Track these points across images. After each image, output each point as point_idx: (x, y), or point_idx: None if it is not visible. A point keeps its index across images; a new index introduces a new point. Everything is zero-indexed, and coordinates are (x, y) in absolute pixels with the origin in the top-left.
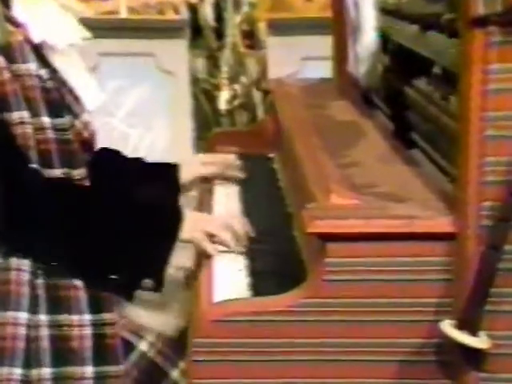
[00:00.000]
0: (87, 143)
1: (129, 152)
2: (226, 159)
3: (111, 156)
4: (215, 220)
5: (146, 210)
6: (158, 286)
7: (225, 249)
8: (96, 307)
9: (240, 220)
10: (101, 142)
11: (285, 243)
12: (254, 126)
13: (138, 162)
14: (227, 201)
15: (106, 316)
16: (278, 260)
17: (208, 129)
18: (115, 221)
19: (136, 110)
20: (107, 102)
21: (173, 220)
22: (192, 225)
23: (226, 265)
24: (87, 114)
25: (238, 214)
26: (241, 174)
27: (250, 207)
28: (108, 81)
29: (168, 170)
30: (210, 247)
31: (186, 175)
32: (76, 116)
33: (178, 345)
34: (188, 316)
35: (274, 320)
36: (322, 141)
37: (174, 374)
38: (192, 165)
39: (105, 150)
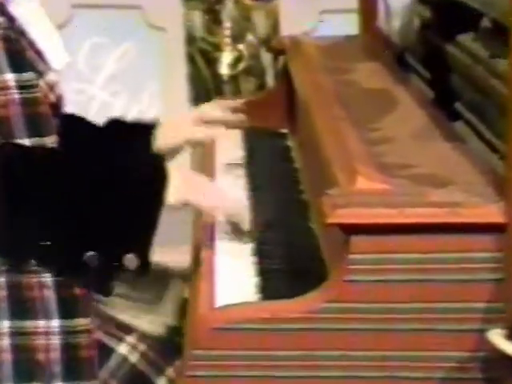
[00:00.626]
0: (53, 108)
1: None
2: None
3: (78, 121)
4: (217, 188)
5: (121, 171)
6: (144, 265)
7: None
8: (67, 311)
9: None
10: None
11: (300, 237)
12: (263, 95)
13: (110, 125)
14: (231, 187)
15: (80, 322)
16: (291, 257)
17: (207, 98)
18: (87, 187)
19: (119, 74)
20: (82, 64)
21: (156, 178)
22: (185, 186)
23: (231, 262)
24: (53, 74)
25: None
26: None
27: (258, 193)
28: (83, 39)
29: (147, 131)
30: (207, 204)
31: (172, 140)
32: (40, 74)
33: (165, 347)
34: (179, 315)
35: (288, 328)
36: (346, 112)
37: (161, 382)
38: (181, 126)
39: (70, 116)
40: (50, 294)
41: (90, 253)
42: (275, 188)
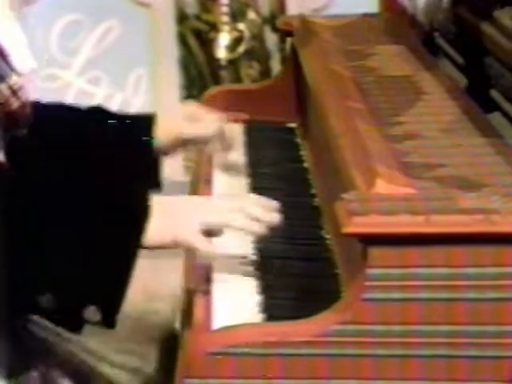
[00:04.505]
0: (15, 117)
1: None
2: (222, 119)
3: (56, 116)
4: (210, 204)
5: (91, 199)
6: (109, 319)
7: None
8: (14, 367)
9: (255, 200)
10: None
11: (311, 248)
12: (268, 83)
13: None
14: (230, 187)
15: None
16: (300, 271)
17: (202, 86)
18: (44, 214)
19: (99, 58)
20: (55, 46)
21: (133, 213)
22: (169, 222)
23: (230, 277)
24: (18, 77)
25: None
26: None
27: (262, 196)
28: (56, 16)
29: (135, 133)
30: (205, 245)
31: (164, 137)
32: (0, 78)
33: None
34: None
35: (296, 354)
36: (364, 104)
37: None
38: (170, 121)
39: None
40: None
41: (46, 295)
42: (282, 191)
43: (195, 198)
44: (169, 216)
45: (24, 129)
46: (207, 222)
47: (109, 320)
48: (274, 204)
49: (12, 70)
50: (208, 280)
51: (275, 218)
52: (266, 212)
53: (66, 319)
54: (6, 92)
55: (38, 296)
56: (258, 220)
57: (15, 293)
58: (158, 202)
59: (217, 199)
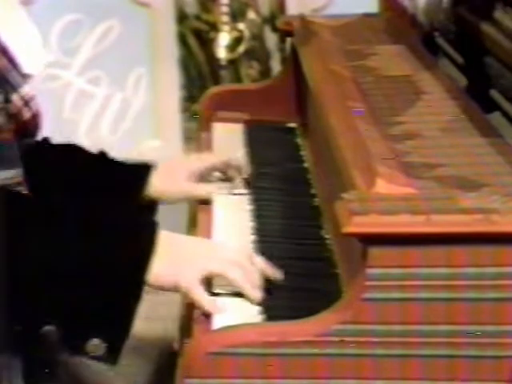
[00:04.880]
0: (27, 128)
1: (90, 120)
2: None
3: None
4: (214, 251)
5: (97, 235)
6: (113, 355)
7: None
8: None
9: (253, 258)
10: (44, 108)
11: (311, 248)
12: (268, 83)
13: (92, 163)
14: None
15: None
16: (300, 271)
17: (202, 86)
18: (52, 248)
19: (98, 58)
20: (55, 46)
21: (137, 253)
22: (174, 263)
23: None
24: (28, 86)
25: (249, 250)
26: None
27: (262, 198)
28: (56, 16)
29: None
30: (205, 300)
31: (169, 188)
32: (12, 88)
33: None
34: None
35: (296, 354)
36: (364, 103)
37: None
38: (179, 174)
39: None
40: None
41: (49, 327)
42: (282, 192)
43: (200, 243)
44: (172, 259)
45: (33, 137)
46: (208, 271)
47: (113, 356)
48: (275, 274)
49: (23, 78)
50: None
51: (276, 274)
52: (268, 268)
53: (70, 352)
54: (19, 103)
55: (41, 328)
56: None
57: (18, 325)
58: (163, 242)
59: (222, 248)
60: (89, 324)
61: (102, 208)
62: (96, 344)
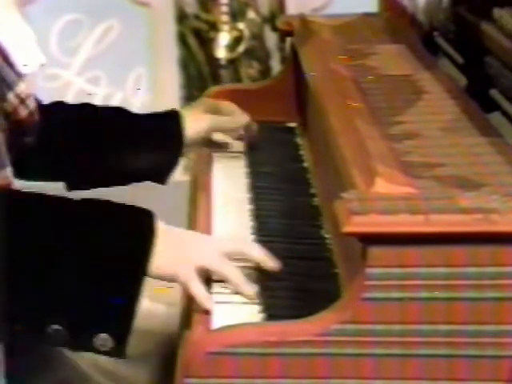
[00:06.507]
0: (24, 126)
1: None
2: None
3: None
4: (210, 246)
5: (96, 228)
6: (120, 347)
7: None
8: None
9: (252, 246)
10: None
11: (310, 247)
12: (268, 83)
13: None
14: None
15: None
16: (300, 271)
17: (202, 85)
18: (47, 242)
19: (98, 58)
20: (55, 46)
21: (137, 245)
22: (173, 254)
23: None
24: (25, 83)
25: (248, 239)
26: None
27: (262, 197)
28: (56, 16)
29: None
30: (201, 294)
31: (197, 126)
32: (8, 87)
33: None
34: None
35: (296, 353)
36: (363, 103)
37: None
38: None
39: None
40: None
41: (55, 326)
42: (282, 191)
43: (199, 237)
44: (171, 251)
45: (32, 136)
46: (204, 266)
47: (119, 349)
48: (274, 264)
49: (19, 76)
50: (208, 281)
51: (276, 265)
52: (266, 259)
53: (77, 349)
54: (15, 101)
55: (47, 327)
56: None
57: (23, 325)
58: (162, 233)
59: (219, 242)
60: (94, 319)
61: (100, 202)
62: (104, 338)
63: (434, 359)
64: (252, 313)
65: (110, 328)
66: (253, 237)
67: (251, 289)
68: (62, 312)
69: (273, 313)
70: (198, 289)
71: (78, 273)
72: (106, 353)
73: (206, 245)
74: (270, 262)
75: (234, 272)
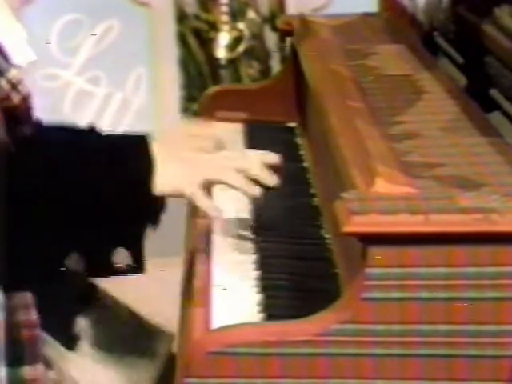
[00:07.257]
0: (17, 111)
1: (90, 120)
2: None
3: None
4: (215, 160)
5: (105, 157)
6: (138, 262)
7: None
8: (15, 356)
9: (258, 159)
10: (44, 107)
11: (310, 247)
12: (268, 83)
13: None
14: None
15: (26, 371)
16: (300, 271)
17: (202, 85)
18: (63, 180)
19: (98, 58)
20: (55, 46)
21: (139, 168)
22: (175, 172)
23: (229, 276)
24: (16, 70)
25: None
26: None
27: (261, 197)
28: (56, 16)
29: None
30: (208, 204)
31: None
32: (0, 73)
33: None
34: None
35: (295, 353)
36: (363, 103)
37: None
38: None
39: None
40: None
41: (73, 255)
42: (282, 191)
43: (198, 154)
44: (172, 169)
45: (26, 125)
46: (208, 178)
47: (138, 264)
48: (276, 159)
49: (10, 64)
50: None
51: (274, 180)
52: (266, 174)
53: (99, 271)
54: (6, 87)
55: (66, 260)
56: (257, 182)
57: (43, 262)
58: (161, 152)
59: (220, 156)
60: (110, 237)
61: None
62: (122, 256)
63: (433, 359)
64: (252, 313)
65: (125, 243)
66: (253, 236)
67: (257, 190)
68: (77, 239)
69: (273, 313)
70: (204, 200)
71: (87, 204)
72: (125, 271)
73: (208, 160)
74: (268, 179)
75: (238, 178)
